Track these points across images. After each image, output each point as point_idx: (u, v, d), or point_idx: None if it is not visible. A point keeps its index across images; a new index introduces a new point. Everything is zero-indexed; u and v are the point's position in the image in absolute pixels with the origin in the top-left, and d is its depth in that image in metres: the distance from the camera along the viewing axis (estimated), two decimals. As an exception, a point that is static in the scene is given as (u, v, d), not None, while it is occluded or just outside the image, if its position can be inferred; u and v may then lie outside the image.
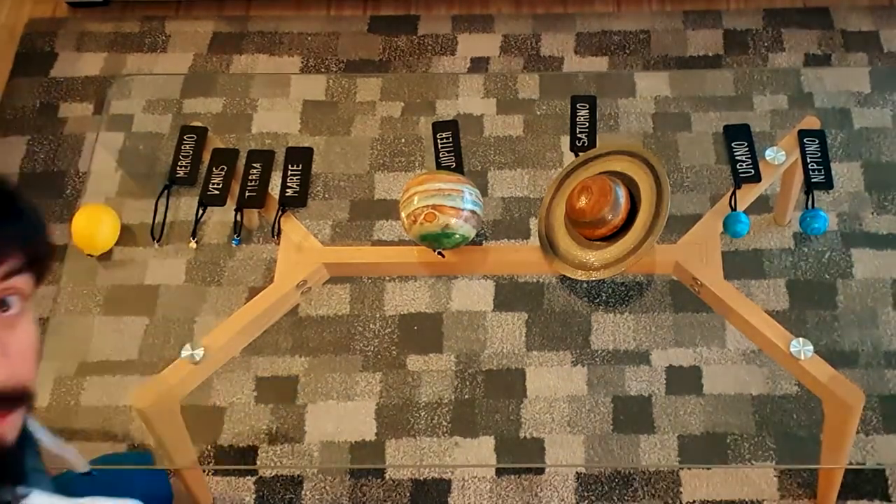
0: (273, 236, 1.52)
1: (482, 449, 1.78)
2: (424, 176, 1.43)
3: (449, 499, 1.76)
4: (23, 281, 0.77)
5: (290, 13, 2.44)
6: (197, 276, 1.91)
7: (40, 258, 0.80)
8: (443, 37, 2.37)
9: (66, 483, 1.25)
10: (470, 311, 1.90)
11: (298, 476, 1.79)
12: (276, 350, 1.87)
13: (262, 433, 1.81)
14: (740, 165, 1.54)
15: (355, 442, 1.79)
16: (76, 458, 1.12)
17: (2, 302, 0.75)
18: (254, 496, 1.77)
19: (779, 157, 1.57)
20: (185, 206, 1.64)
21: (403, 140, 2.10)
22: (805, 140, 1.57)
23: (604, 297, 1.90)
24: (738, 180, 1.53)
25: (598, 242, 1.42)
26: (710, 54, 2.30)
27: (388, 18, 2.41)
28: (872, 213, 1.96)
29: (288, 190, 1.55)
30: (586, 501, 1.74)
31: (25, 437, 0.81)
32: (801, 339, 1.38)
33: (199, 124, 1.65)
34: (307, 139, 2.12)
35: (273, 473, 1.80)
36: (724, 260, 1.47)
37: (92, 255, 1.71)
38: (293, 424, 1.81)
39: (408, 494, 1.77)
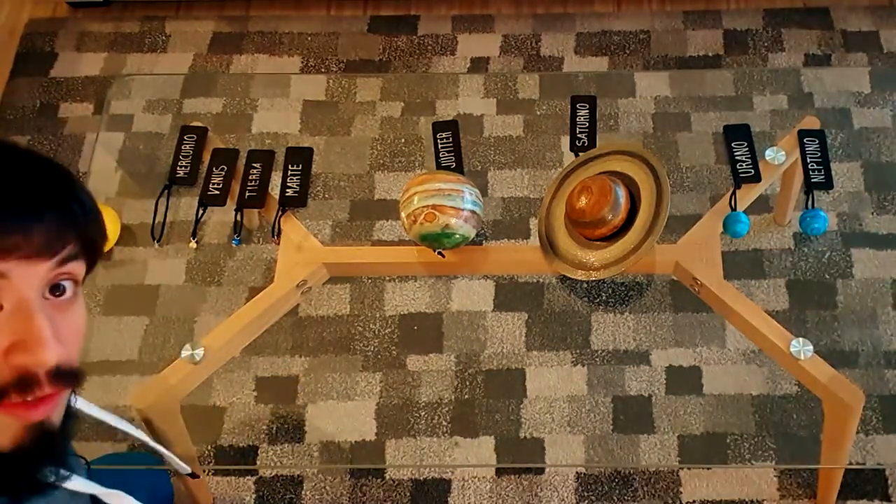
0: (273, 236, 1.52)
1: (482, 449, 1.78)
2: (424, 176, 1.43)
3: (449, 499, 1.76)
4: (77, 267, 0.78)
5: (290, 13, 2.44)
6: (197, 276, 1.91)
7: (94, 244, 0.81)
8: (443, 37, 2.37)
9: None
10: (470, 311, 1.90)
11: (298, 476, 1.80)
12: (276, 350, 1.87)
13: (262, 433, 1.81)
14: (740, 165, 1.55)
15: (355, 442, 1.79)
16: (138, 432, 1.14)
17: (57, 286, 0.76)
18: (254, 496, 1.77)
19: (779, 157, 1.57)
20: (185, 206, 1.64)
21: (403, 140, 2.10)
22: (805, 140, 1.57)
23: (604, 297, 1.90)
24: (738, 180, 1.53)
25: (598, 242, 1.42)
26: (710, 54, 2.30)
27: (388, 18, 2.41)
28: (872, 213, 1.96)
29: (288, 190, 1.55)
30: (586, 501, 1.74)
31: (69, 420, 0.83)
32: (801, 339, 1.38)
33: (199, 124, 1.65)
34: (307, 139, 2.12)
35: (273, 473, 1.80)
36: (724, 260, 1.47)
37: (92, 255, 1.71)
38: (293, 424, 1.81)
39: (408, 494, 1.77)
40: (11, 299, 0.72)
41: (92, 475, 0.95)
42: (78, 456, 0.97)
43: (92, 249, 0.81)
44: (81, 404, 0.99)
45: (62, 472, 0.82)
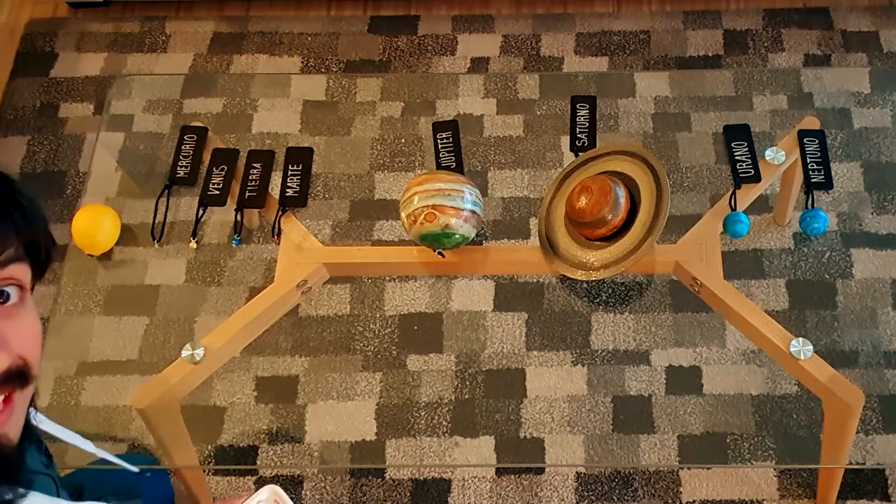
0: (273, 236, 1.52)
1: (482, 449, 1.78)
2: (424, 176, 1.43)
3: (449, 499, 1.76)
4: (20, 270, 0.77)
5: (290, 13, 2.44)
6: (197, 276, 1.91)
7: (38, 248, 0.80)
8: (443, 37, 2.37)
9: (74, 481, 1.25)
10: (470, 311, 1.90)
11: (298, 476, 1.80)
12: (276, 350, 1.87)
13: (262, 433, 1.81)
14: (740, 165, 1.55)
15: (355, 442, 1.79)
16: (94, 448, 1.12)
17: (0, 293, 0.75)
18: (254, 496, 1.77)
19: (778, 157, 1.57)
20: (185, 206, 1.64)
21: (403, 140, 2.10)
22: (805, 140, 1.57)
23: (604, 297, 1.90)
24: (738, 180, 1.53)
25: (598, 242, 1.42)
26: (710, 54, 2.30)
27: (388, 18, 2.41)
28: (872, 213, 1.96)
29: (288, 190, 1.55)
30: (586, 501, 1.74)
31: (28, 435, 0.81)
32: (801, 339, 1.38)
33: (199, 124, 1.65)
34: (307, 139, 2.12)
35: (273, 473, 1.80)
36: (724, 260, 1.47)
37: (92, 255, 1.71)
38: (293, 424, 1.81)
39: (408, 494, 1.77)
40: None
41: (62, 490, 0.94)
42: (42, 473, 0.94)
43: (36, 252, 0.79)
44: (42, 422, 0.97)
45: (20, 490, 0.79)
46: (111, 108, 2.09)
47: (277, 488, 0.98)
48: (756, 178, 1.53)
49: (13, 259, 0.76)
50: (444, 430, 1.79)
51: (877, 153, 2.03)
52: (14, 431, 0.77)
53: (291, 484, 1.78)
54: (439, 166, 1.56)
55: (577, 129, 1.59)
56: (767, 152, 1.57)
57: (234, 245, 1.62)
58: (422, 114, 2.15)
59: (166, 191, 1.59)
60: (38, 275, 0.81)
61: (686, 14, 2.37)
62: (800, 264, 1.91)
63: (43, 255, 0.81)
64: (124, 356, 1.81)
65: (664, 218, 1.38)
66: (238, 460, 1.79)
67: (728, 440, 1.75)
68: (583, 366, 1.83)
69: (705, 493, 1.74)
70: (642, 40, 2.33)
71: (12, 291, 0.76)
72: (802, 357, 1.37)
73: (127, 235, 1.75)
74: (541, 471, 1.78)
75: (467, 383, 1.83)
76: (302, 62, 2.34)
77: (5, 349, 0.73)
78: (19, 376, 0.75)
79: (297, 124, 2.15)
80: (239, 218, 1.57)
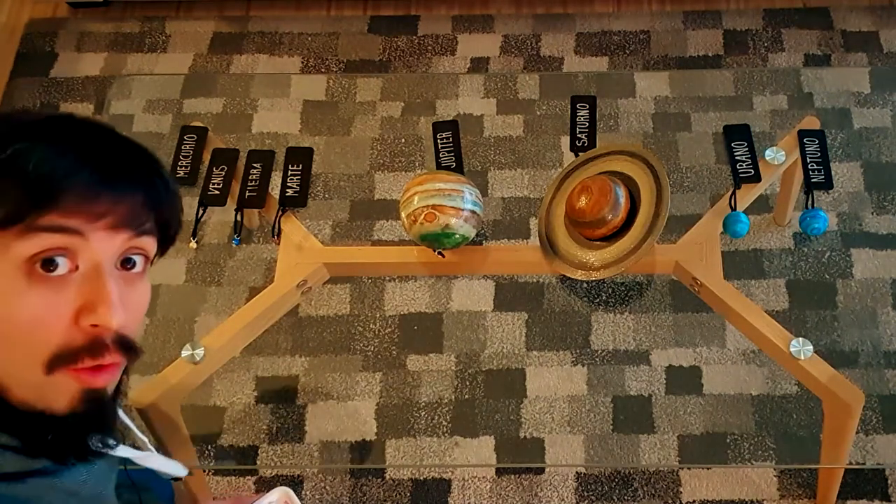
0: (273, 236, 1.52)
1: (482, 449, 1.78)
2: (424, 176, 1.43)
3: (449, 499, 1.76)
4: (150, 243, 0.82)
5: (290, 13, 2.44)
6: (197, 276, 1.91)
7: (168, 226, 0.85)
8: (443, 37, 2.37)
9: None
10: (470, 311, 1.90)
11: (298, 476, 1.80)
12: (276, 350, 1.87)
13: (262, 433, 1.81)
14: (740, 165, 1.55)
15: (355, 442, 1.79)
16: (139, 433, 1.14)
17: (128, 259, 0.80)
18: (254, 496, 1.77)
19: (779, 157, 1.57)
20: (185, 206, 1.64)
21: (403, 140, 2.10)
22: (805, 140, 1.57)
23: (604, 297, 1.90)
24: (738, 180, 1.53)
25: (598, 242, 1.42)
26: (710, 54, 2.30)
27: (388, 18, 2.41)
28: (872, 213, 1.96)
29: (288, 190, 1.55)
30: (586, 501, 1.74)
31: (118, 394, 0.85)
32: (801, 339, 1.38)
33: (199, 124, 1.65)
34: (307, 139, 2.12)
35: (273, 473, 1.80)
36: (724, 260, 1.47)
37: (92, 255, 1.71)
38: (293, 424, 1.81)
39: (408, 494, 1.77)
40: (87, 262, 0.76)
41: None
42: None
43: (166, 229, 0.85)
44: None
45: (109, 440, 0.84)
46: (111, 108, 2.09)
47: (289, 490, 0.98)
48: (756, 178, 1.53)
49: (148, 231, 0.81)
50: (444, 430, 1.79)
51: (877, 153, 2.03)
52: (110, 385, 0.81)
53: (291, 484, 1.78)
54: (439, 166, 1.56)
55: (577, 129, 1.59)
56: (767, 152, 1.57)
57: (234, 245, 1.62)
58: (422, 114, 2.15)
59: (166, 191, 1.58)
60: (160, 252, 0.86)
61: (686, 14, 2.37)
62: (800, 264, 1.91)
63: (171, 233, 0.86)
64: (124, 356, 1.81)
65: (664, 218, 1.38)
66: (238, 460, 1.79)
67: (728, 440, 1.75)
68: (583, 366, 1.83)
69: (705, 493, 1.74)
70: (642, 40, 2.33)
71: (139, 261, 0.81)
72: (802, 357, 1.37)
73: (127, 235, 1.75)
74: (541, 471, 1.78)
75: (467, 383, 1.83)
76: (302, 62, 2.34)
77: (124, 310, 0.77)
78: (131, 348, 0.79)
79: (297, 124, 2.15)
80: (239, 218, 1.57)
